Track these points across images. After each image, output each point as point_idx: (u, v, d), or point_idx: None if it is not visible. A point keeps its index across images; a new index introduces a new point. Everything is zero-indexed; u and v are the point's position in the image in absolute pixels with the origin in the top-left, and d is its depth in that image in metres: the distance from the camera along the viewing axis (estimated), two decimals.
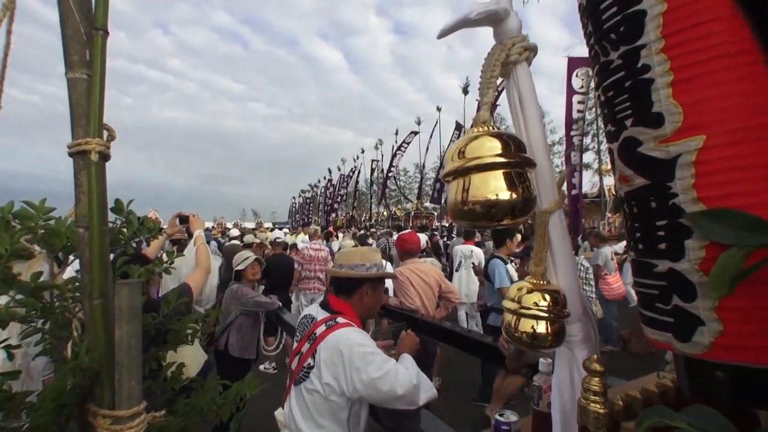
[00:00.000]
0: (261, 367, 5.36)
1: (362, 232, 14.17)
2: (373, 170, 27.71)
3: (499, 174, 0.66)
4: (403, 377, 1.53)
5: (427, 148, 22.15)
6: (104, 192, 1.01)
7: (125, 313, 0.95)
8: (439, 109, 21.58)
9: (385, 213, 30.06)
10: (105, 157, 1.00)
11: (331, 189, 33.16)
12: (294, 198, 50.54)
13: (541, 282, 0.81)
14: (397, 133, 25.13)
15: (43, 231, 1.11)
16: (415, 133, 22.70)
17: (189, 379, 1.30)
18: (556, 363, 0.86)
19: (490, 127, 0.72)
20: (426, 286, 3.70)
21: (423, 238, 8.28)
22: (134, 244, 1.32)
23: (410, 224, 24.13)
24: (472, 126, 0.75)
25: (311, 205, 40.82)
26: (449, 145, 18.15)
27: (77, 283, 1.12)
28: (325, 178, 34.97)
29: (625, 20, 0.61)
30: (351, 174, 29.57)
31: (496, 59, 0.79)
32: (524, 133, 0.83)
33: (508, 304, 0.81)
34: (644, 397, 0.70)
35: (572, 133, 11.99)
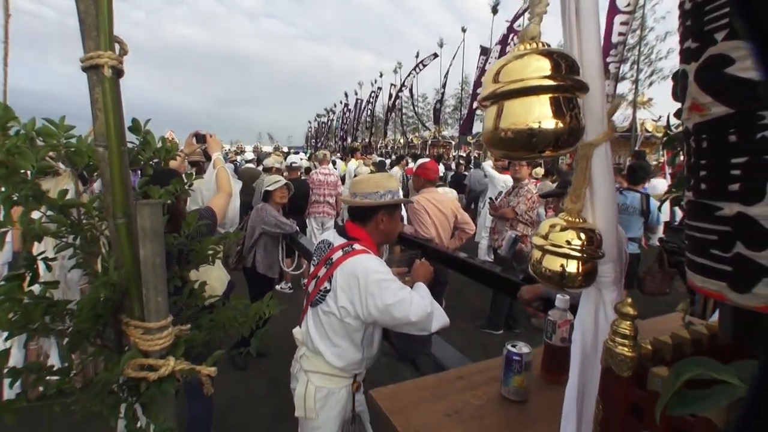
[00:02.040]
0: (277, 287, 5.60)
1: (380, 159, 14.03)
2: (390, 95, 26.77)
3: (545, 99, 0.60)
4: (417, 305, 1.58)
5: (447, 73, 21.13)
6: (120, 109, 1.00)
7: (148, 233, 0.97)
8: (464, 30, 20.21)
9: (402, 140, 29.56)
10: (118, 72, 0.98)
11: (348, 113, 32.49)
12: (310, 122, 49.83)
13: (577, 220, 0.77)
14: (417, 56, 23.93)
15: (65, 149, 1.11)
16: (436, 55, 21.53)
17: (213, 297, 1.36)
18: (582, 300, 0.83)
19: (540, 44, 0.64)
20: (442, 216, 3.71)
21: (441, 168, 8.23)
22: (153, 165, 1.33)
23: (427, 152, 23.82)
24: (518, 43, 0.67)
25: (327, 129, 40.33)
26: (478, 71, 17.27)
27: (100, 201, 1.14)
28: (341, 102, 34.14)
29: None
30: (370, 99, 28.71)
31: None
32: (576, 51, 0.74)
33: (537, 240, 0.78)
34: (675, 343, 0.67)
35: (609, 59, 10.78)
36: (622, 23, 9.79)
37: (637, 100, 12.83)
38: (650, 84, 19.91)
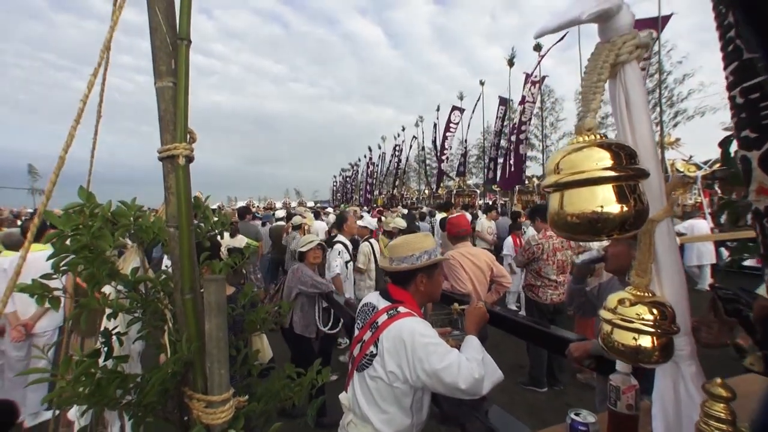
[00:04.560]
0: (341, 358, 5.36)
1: (407, 210, 14.08)
2: (411, 147, 27.43)
3: (608, 187, 0.63)
4: (465, 371, 1.54)
5: (469, 124, 21.64)
6: (190, 192, 1.08)
7: (214, 307, 1.02)
8: (482, 83, 20.85)
9: (426, 191, 29.86)
10: (190, 159, 1.07)
11: (371, 167, 33.27)
12: (335, 177, 51.17)
13: (646, 294, 0.77)
14: (438, 110, 24.64)
15: (134, 228, 1.19)
16: (460, 109, 22.14)
17: (264, 366, 1.38)
18: (658, 374, 0.82)
19: (597, 136, 0.68)
20: (477, 270, 3.67)
21: (468, 217, 8.24)
22: (209, 237, 1.41)
23: (452, 201, 23.88)
24: (575, 134, 0.70)
25: (352, 184, 41.24)
26: (499, 121, 17.56)
27: (164, 277, 1.21)
28: (365, 156, 35.09)
29: None
30: (393, 152, 29.44)
31: (604, 60, 0.74)
32: (630, 137, 0.78)
33: (605, 314, 0.78)
34: None
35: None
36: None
37: (665, 141, 12.81)
38: (675, 125, 20.01)
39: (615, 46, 0.75)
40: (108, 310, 1.07)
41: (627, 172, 0.63)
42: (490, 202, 20.36)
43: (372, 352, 1.69)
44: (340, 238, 5.14)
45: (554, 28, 0.75)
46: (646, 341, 0.72)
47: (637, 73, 0.78)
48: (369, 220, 6.95)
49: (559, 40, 13.36)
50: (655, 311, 0.73)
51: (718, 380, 0.64)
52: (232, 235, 5.83)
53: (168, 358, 1.02)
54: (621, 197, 0.62)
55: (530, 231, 6.74)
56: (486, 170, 19.70)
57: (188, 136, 1.09)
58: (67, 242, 0.96)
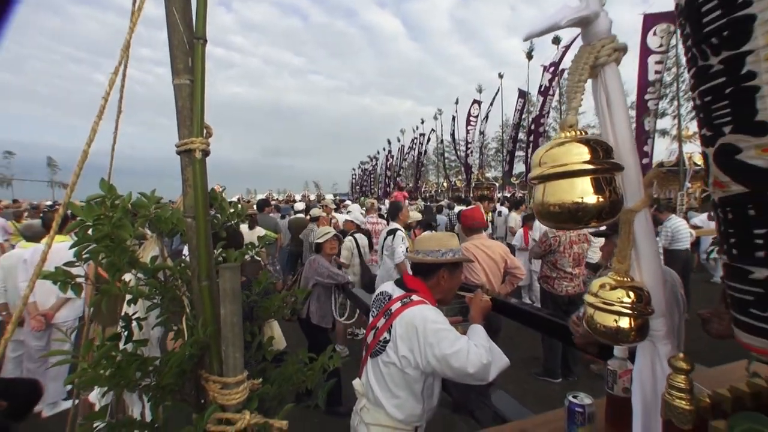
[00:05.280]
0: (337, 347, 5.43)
1: (427, 203, 14.03)
2: (429, 140, 27.26)
3: (586, 179, 0.67)
4: (473, 356, 1.59)
5: (487, 117, 21.38)
6: (206, 185, 1.13)
7: (228, 294, 1.07)
8: (501, 76, 20.61)
9: (445, 184, 29.74)
10: (206, 153, 1.11)
11: (391, 160, 33.24)
12: (354, 170, 51.30)
13: (625, 279, 0.82)
14: (457, 102, 24.44)
15: (153, 217, 1.25)
16: (479, 102, 21.92)
17: (279, 351, 1.43)
18: (638, 354, 0.87)
19: (577, 132, 0.72)
20: (492, 262, 3.69)
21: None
22: (226, 228, 1.46)
23: (471, 195, 23.79)
24: (558, 130, 0.75)
25: (372, 176, 41.29)
26: (518, 114, 17.35)
27: (183, 265, 1.27)
28: (384, 149, 35.07)
29: (729, 24, 0.58)
30: (412, 145, 29.34)
31: (584, 62, 0.78)
32: (611, 134, 0.82)
33: (589, 298, 0.82)
34: (734, 396, 0.69)
35: (647, 96, 10.74)
36: (656, 62, 10.30)
37: (682, 134, 12.50)
38: (692, 118, 19.44)
39: (594, 49, 0.79)
40: (128, 297, 1.13)
41: (603, 165, 0.68)
42: (509, 195, 20.22)
43: (385, 338, 1.74)
44: (396, 225, 5.13)
45: (538, 32, 0.80)
46: (624, 322, 0.77)
47: (615, 74, 0.82)
48: (356, 215, 6.81)
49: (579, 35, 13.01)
50: (632, 294, 0.78)
51: (681, 354, 0.69)
52: (251, 227, 5.93)
53: (185, 341, 1.07)
54: (598, 189, 0.67)
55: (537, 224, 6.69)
56: (503, 163, 19.52)
57: (205, 131, 1.14)
58: (89, 232, 1.02)
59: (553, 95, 16.26)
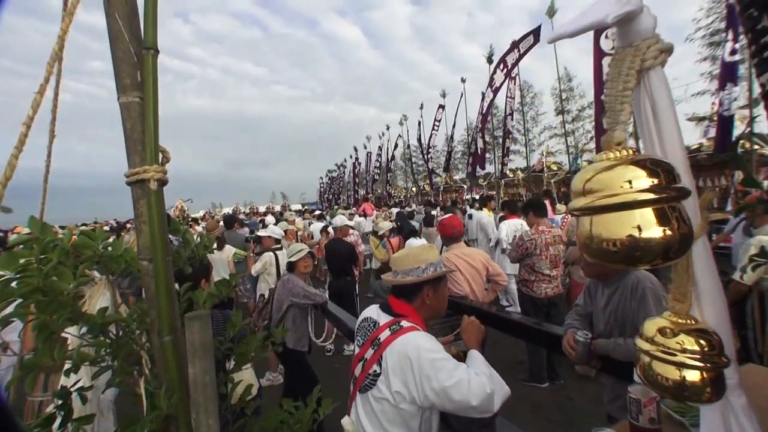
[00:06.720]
0: (319, 341, 5.03)
1: (398, 209, 13.87)
2: (396, 146, 27.28)
3: (647, 210, 0.54)
4: (476, 386, 1.45)
5: (455, 122, 21.61)
6: (164, 220, 0.95)
7: (198, 349, 0.89)
8: (463, 81, 20.78)
9: (414, 189, 29.80)
10: (163, 183, 0.93)
11: (358, 168, 33.07)
12: (321, 178, 50.75)
13: (687, 321, 0.68)
14: (422, 107, 24.52)
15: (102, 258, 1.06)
16: (443, 107, 22.11)
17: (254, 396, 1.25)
18: (705, 408, 0.74)
19: (629, 151, 0.59)
20: (473, 271, 3.60)
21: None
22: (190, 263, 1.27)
23: (440, 198, 23.86)
24: (603, 149, 0.61)
25: (339, 185, 40.97)
26: (480, 116, 17.57)
27: (141, 312, 1.07)
28: (351, 156, 34.83)
29: None
30: (379, 152, 29.26)
31: (629, 67, 0.66)
32: (658, 149, 0.70)
33: (642, 344, 0.69)
34: None
35: (603, 96, 10.89)
36: (608, 64, 10.22)
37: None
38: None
39: (640, 51, 0.68)
40: (67, 364, 0.92)
41: (668, 192, 0.55)
42: (477, 196, 20.41)
43: (375, 371, 1.58)
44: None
45: (573, 32, 0.69)
46: (693, 376, 0.63)
47: (662, 80, 0.71)
48: (274, 229, 6.48)
49: (534, 44, 13.17)
50: (702, 342, 0.64)
51: None
52: (220, 248, 5.64)
53: (145, 416, 0.88)
54: (663, 220, 0.54)
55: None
56: (467, 165, 19.77)
57: (161, 156, 0.96)
58: (13, 285, 0.82)
59: (513, 98, 16.59)
